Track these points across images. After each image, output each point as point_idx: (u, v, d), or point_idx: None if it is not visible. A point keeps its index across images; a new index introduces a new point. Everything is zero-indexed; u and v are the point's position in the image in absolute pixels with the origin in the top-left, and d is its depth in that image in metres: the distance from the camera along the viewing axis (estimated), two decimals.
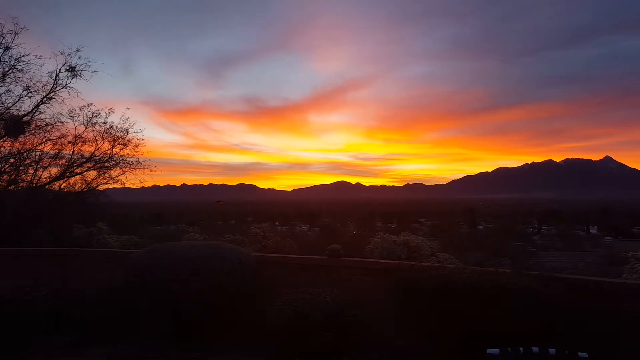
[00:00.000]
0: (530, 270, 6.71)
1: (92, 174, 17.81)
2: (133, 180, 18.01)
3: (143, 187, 18.92)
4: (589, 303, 5.51)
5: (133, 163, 17.77)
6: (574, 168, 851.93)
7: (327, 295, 6.44)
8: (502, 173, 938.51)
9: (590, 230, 70.75)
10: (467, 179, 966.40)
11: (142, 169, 17.96)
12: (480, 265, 7.68)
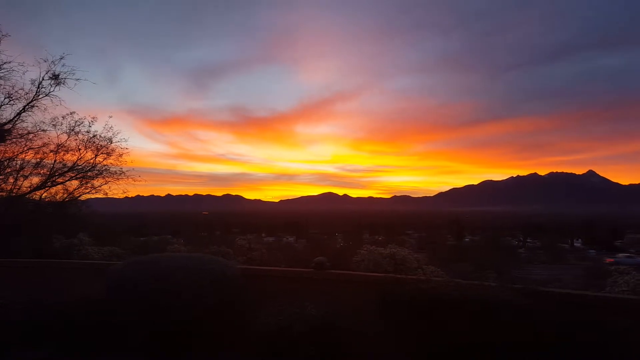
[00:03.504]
0: (515, 284, 6.72)
1: (74, 183, 17.47)
2: (116, 190, 17.70)
3: (126, 197, 18.60)
4: (573, 316, 5.52)
5: (116, 173, 17.48)
6: (558, 182, 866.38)
7: (313, 308, 6.36)
8: (488, 186, 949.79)
9: (575, 244, 71.85)
10: (454, 192, 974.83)
11: (126, 179, 17.67)
12: (466, 278, 7.68)
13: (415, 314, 5.76)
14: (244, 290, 7.65)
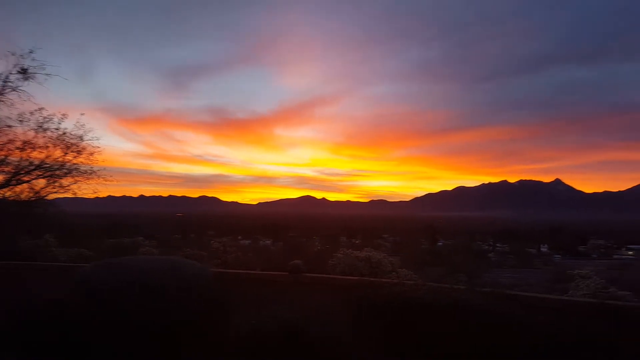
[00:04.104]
0: (484, 287, 6.93)
1: (42, 182, 16.84)
2: (86, 190, 17.13)
3: (97, 197, 18.08)
4: (538, 319, 5.73)
5: (87, 172, 16.92)
6: (527, 189, 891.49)
7: (288, 312, 6.38)
8: (461, 192, 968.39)
9: (541, 249, 73.95)
10: (429, 197, 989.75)
11: (97, 179, 17.12)
12: (438, 282, 7.85)
13: (388, 316, 5.86)
14: (217, 294, 7.59)
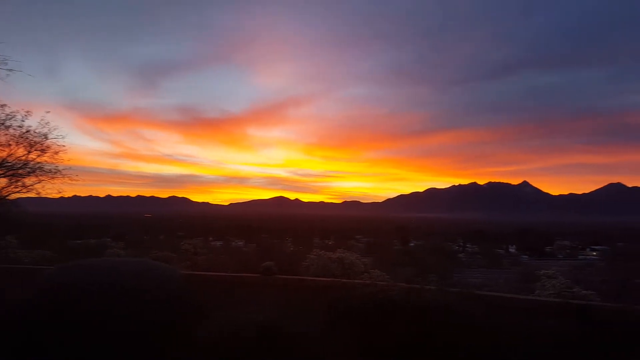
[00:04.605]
0: (455, 287, 7.05)
1: (3, 181, 16.13)
2: (50, 189, 16.51)
3: (62, 197, 17.48)
4: (505, 319, 5.88)
5: (51, 171, 16.32)
6: (496, 191, 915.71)
7: (260, 314, 6.32)
8: (432, 193, 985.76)
9: (509, 249, 76.06)
10: (401, 198, 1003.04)
11: (62, 178, 16.53)
12: (409, 282, 7.94)
13: (361, 317, 5.88)
14: (188, 296, 7.44)
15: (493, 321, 5.73)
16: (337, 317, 6.40)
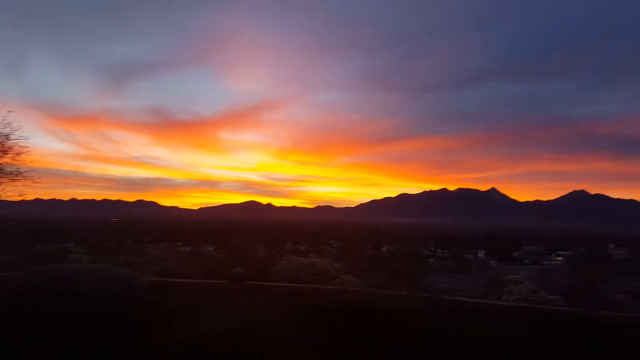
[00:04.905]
0: (424, 292, 7.08)
1: None
2: (11, 192, 15.80)
3: (23, 200, 16.70)
4: (473, 323, 5.92)
5: (12, 173, 15.64)
6: (465, 197, 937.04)
7: (229, 321, 6.16)
8: (404, 199, 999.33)
9: (478, 254, 77.82)
10: (374, 203, 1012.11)
11: (24, 180, 15.87)
12: (381, 287, 7.93)
13: (331, 323, 5.81)
14: (154, 303, 7.19)
15: (461, 325, 5.76)
16: (308, 323, 6.30)
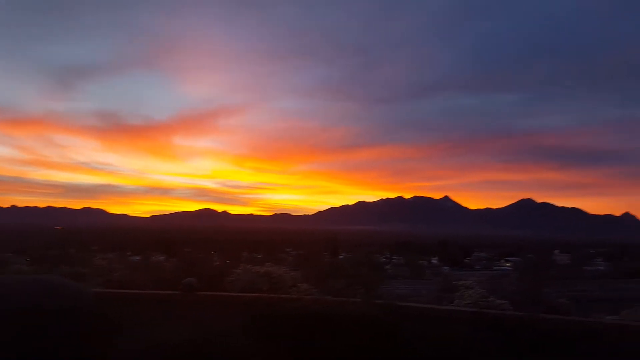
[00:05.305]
0: (379, 299, 7.15)
1: None
2: None
3: None
4: (426, 328, 6.04)
5: None
6: (420, 205, 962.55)
7: (180, 333, 5.94)
8: (362, 206, 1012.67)
9: (432, 261, 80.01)
10: (332, 211, 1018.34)
11: None
12: (337, 295, 7.94)
13: (286, 332, 5.74)
14: (101, 315, 6.82)
15: (415, 331, 5.86)
16: (262, 334, 6.19)
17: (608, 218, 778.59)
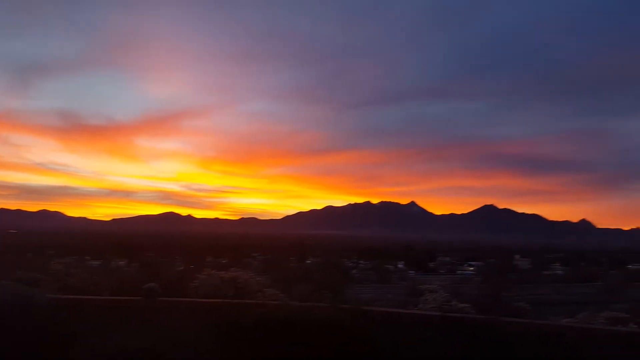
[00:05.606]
0: (346, 303, 7.16)
1: None
2: None
3: None
4: (391, 332, 6.10)
5: None
6: (387, 210, 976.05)
7: (141, 340, 5.74)
8: (330, 211, 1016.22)
9: (398, 265, 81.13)
10: (300, 215, 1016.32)
11: None
12: (304, 300, 7.90)
13: (251, 338, 5.66)
14: (57, 322, 6.51)
15: (380, 335, 5.90)
16: (226, 340, 6.08)
17: (566, 224, 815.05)
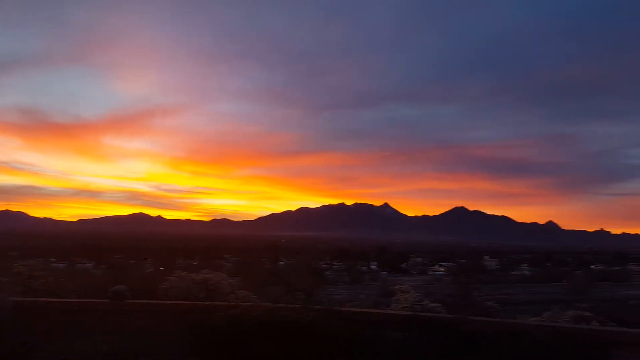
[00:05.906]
0: (319, 304, 7.17)
1: None
2: None
3: None
4: (364, 332, 6.15)
5: None
6: (361, 211, 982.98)
7: (108, 344, 5.59)
8: (304, 212, 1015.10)
9: (371, 266, 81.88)
10: (273, 217, 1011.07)
11: None
12: (277, 301, 7.87)
13: (223, 341, 5.59)
14: (19, 326, 6.28)
15: (353, 335, 5.94)
16: (197, 343, 5.98)
17: (533, 226, 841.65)
